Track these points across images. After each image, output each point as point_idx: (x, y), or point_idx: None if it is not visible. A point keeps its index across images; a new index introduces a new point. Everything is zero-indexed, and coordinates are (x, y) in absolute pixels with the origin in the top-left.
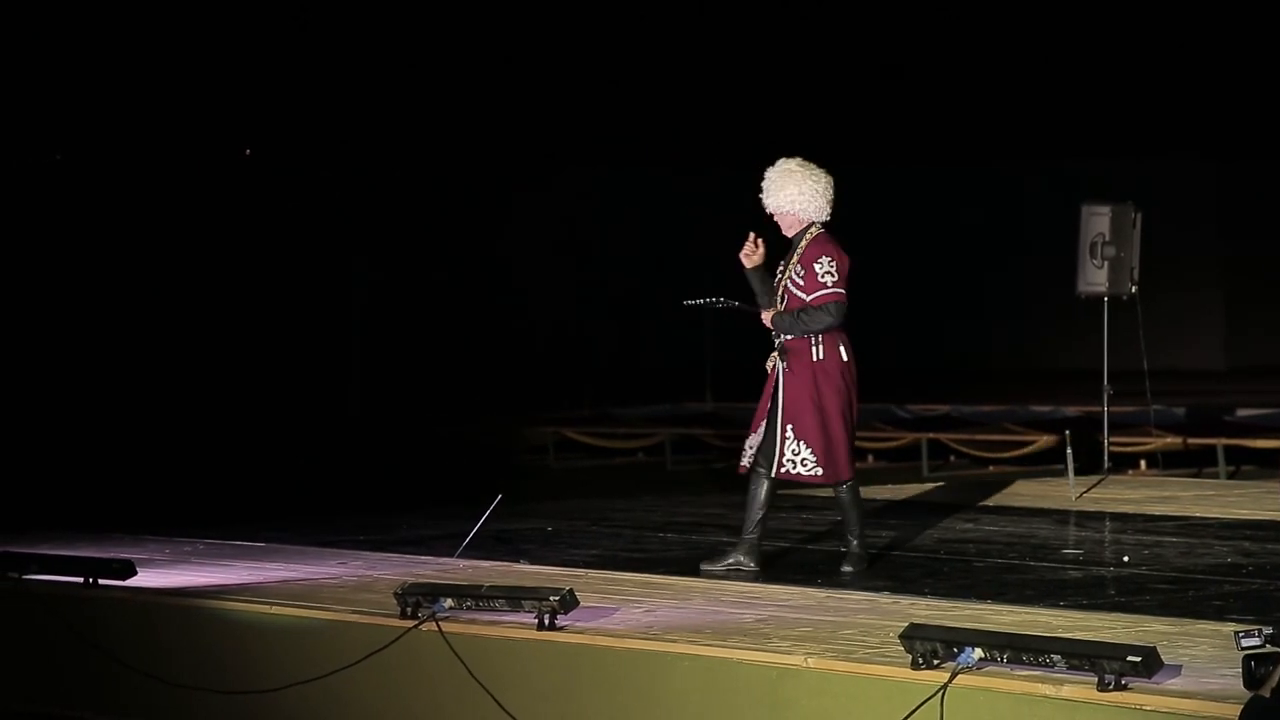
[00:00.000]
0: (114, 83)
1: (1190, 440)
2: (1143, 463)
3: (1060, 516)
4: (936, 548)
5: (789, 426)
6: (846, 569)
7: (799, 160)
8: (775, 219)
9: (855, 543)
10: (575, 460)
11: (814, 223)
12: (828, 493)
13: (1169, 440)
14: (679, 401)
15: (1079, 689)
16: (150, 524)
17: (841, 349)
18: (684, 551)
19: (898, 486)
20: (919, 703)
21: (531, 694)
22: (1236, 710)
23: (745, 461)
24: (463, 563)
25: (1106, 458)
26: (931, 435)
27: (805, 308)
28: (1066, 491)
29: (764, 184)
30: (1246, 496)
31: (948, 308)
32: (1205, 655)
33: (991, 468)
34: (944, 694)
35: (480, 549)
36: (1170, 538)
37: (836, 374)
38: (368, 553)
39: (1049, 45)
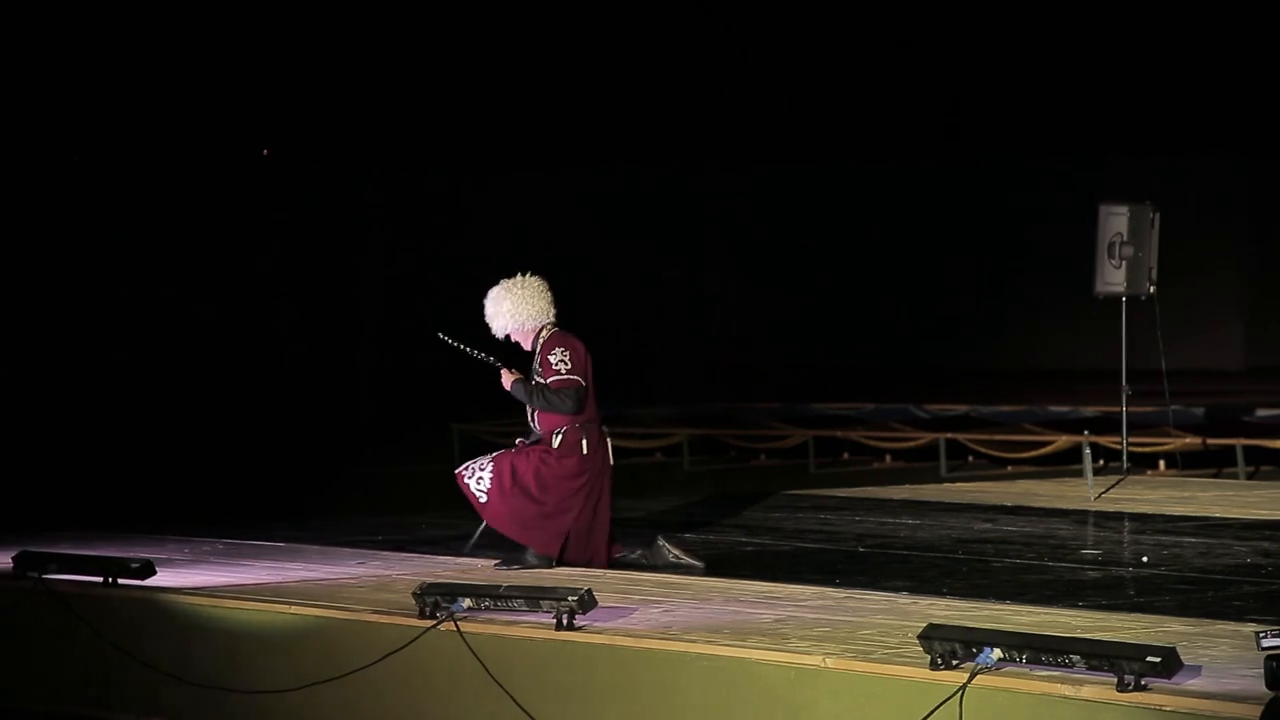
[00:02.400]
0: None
1: (1209, 440)
2: (1161, 463)
3: (1079, 516)
4: (954, 548)
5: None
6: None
7: (501, 283)
8: (513, 340)
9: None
10: None
11: (544, 325)
12: (843, 492)
13: (1188, 440)
14: (688, 403)
15: (1098, 689)
16: (170, 524)
17: (584, 442)
18: (701, 551)
19: (916, 486)
20: (938, 703)
21: (550, 694)
22: (1257, 711)
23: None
24: (480, 563)
25: (1125, 458)
26: (950, 435)
27: (546, 387)
28: (1085, 491)
29: (487, 316)
30: (1266, 497)
31: (966, 307)
32: (1225, 656)
33: (1010, 468)
34: (963, 694)
35: (497, 549)
36: (1189, 538)
37: (569, 462)
38: (386, 553)
39: (1073, 44)
